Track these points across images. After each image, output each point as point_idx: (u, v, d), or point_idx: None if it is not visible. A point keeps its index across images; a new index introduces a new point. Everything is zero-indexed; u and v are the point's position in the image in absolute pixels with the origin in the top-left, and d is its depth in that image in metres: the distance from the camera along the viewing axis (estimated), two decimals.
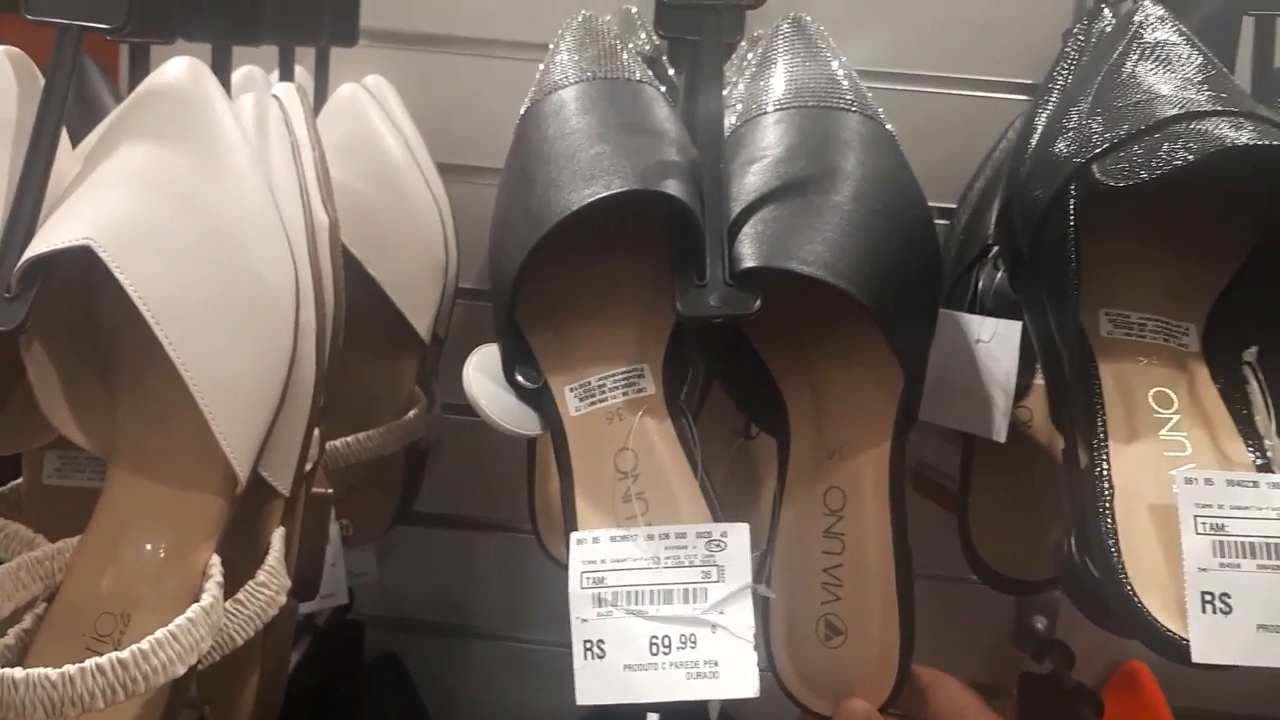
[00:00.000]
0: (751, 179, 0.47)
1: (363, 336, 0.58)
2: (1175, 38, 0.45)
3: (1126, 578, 0.41)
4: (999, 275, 0.58)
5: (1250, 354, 0.45)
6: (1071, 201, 0.43)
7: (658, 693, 0.42)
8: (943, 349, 0.59)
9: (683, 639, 0.42)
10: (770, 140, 0.49)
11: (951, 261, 0.64)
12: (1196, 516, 0.39)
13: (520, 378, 0.49)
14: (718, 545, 0.43)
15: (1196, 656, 0.38)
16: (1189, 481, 0.40)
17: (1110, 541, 0.41)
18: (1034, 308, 0.48)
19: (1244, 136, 0.40)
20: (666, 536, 0.44)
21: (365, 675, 0.75)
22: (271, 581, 0.43)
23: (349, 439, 0.58)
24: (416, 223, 0.62)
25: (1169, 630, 0.39)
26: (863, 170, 0.47)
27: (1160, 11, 0.47)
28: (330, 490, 0.54)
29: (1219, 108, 0.42)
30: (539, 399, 0.49)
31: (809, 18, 0.55)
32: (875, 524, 0.48)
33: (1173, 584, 0.40)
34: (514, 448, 0.60)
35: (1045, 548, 0.52)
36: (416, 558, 0.80)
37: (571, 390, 0.49)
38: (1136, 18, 0.46)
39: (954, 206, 0.69)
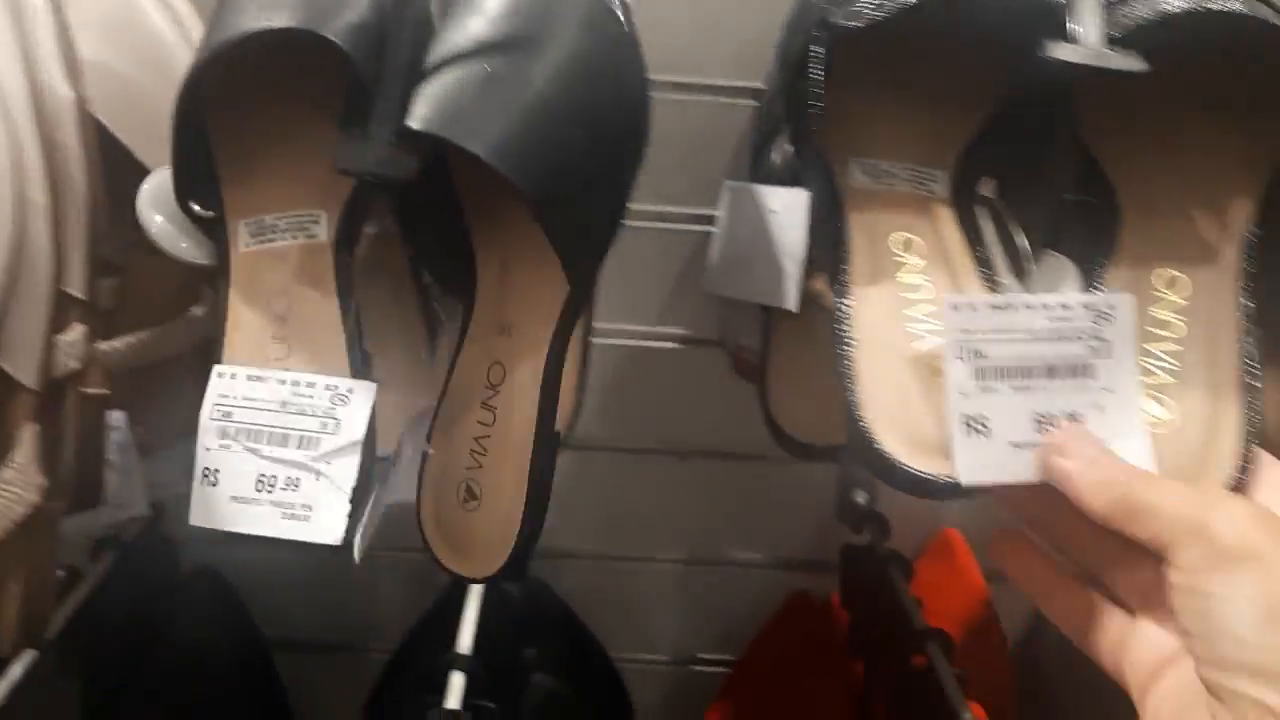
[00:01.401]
0: (454, 35, 0.44)
1: (141, 233, 0.54)
2: None
3: (864, 418, 0.42)
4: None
5: (988, 187, 0.45)
6: (812, 48, 0.42)
7: (252, 526, 0.43)
8: (735, 221, 0.59)
9: (288, 480, 0.43)
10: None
11: (752, 135, 0.64)
12: (960, 343, 0.40)
13: (195, 205, 0.48)
14: (341, 400, 0.44)
15: (964, 478, 0.40)
16: (956, 308, 0.40)
17: (849, 382, 0.42)
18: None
19: None
20: (297, 384, 0.44)
21: (181, 590, 0.72)
22: (17, 479, 0.41)
23: (121, 339, 0.55)
24: None
25: (906, 466, 0.41)
26: (572, 53, 0.45)
27: None
28: (106, 391, 0.52)
29: None
30: (213, 229, 0.48)
31: None
32: (525, 403, 0.48)
33: (910, 422, 0.42)
34: None
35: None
36: None
37: (246, 225, 0.48)
38: None
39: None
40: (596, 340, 0.80)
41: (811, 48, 0.42)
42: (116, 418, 0.57)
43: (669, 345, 0.80)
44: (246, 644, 0.75)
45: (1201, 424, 0.43)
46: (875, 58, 0.43)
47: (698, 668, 0.89)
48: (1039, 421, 0.40)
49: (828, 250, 0.46)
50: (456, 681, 0.56)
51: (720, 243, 0.61)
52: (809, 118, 0.43)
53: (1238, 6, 0.39)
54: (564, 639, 0.77)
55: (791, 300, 0.55)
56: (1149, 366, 0.44)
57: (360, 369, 0.47)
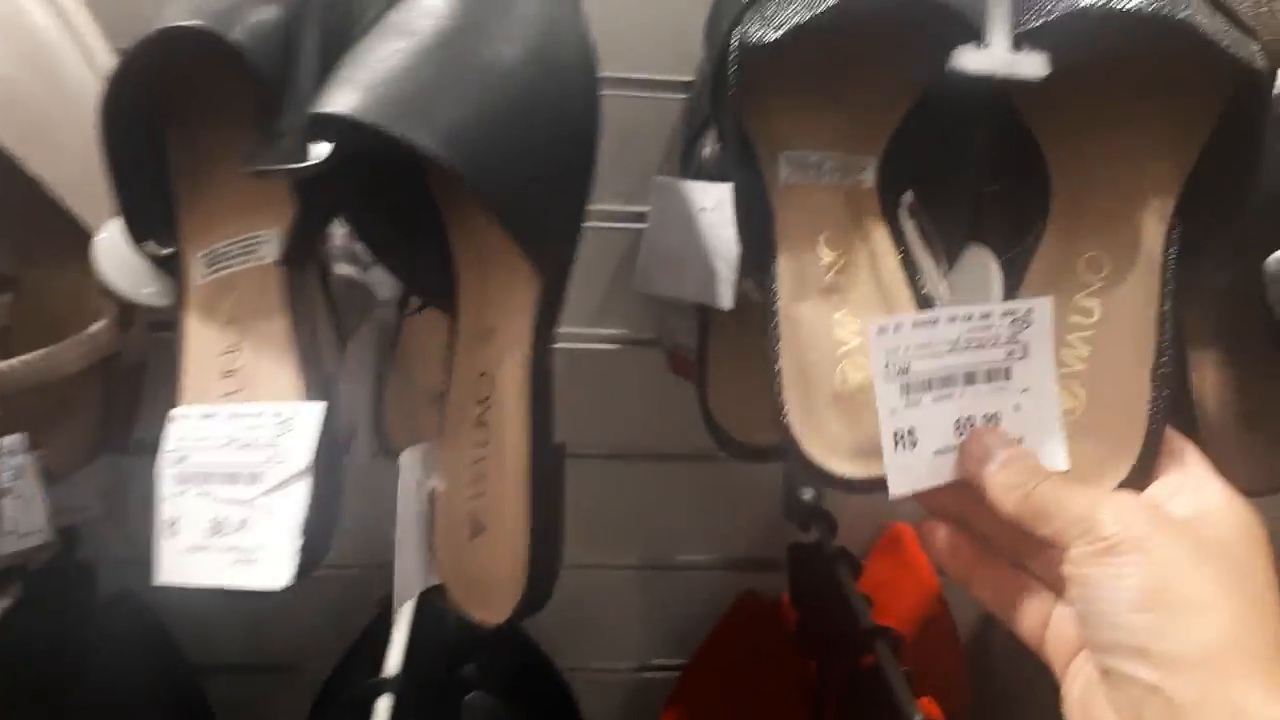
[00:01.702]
0: (395, 19, 0.41)
1: (37, 247, 0.51)
2: None
3: (790, 421, 0.42)
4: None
5: (907, 198, 0.45)
6: (732, 51, 0.41)
7: (201, 577, 0.40)
8: (665, 219, 0.57)
9: (240, 522, 0.40)
10: None
11: (682, 130, 0.61)
12: (887, 364, 0.40)
13: (152, 242, 0.45)
14: (287, 427, 0.41)
15: (893, 491, 0.40)
16: (881, 331, 0.40)
17: (777, 387, 0.41)
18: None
19: None
20: (244, 416, 0.41)
21: (98, 619, 0.69)
22: None
23: (17, 359, 0.52)
24: (78, 113, 0.54)
25: (827, 469, 0.42)
26: (530, 36, 0.42)
27: None
28: None
29: None
30: (172, 265, 0.45)
31: None
32: (516, 415, 0.45)
33: (836, 424, 0.42)
34: None
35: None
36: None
37: (201, 256, 0.45)
38: None
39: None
40: None
41: (730, 61, 0.41)
42: (12, 442, 0.54)
43: (608, 346, 0.78)
44: (169, 671, 0.72)
45: (1112, 410, 0.43)
46: (798, 53, 0.41)
47: (651, 674, 0.87)
48: (958, 426, 0.41)
49: (756, 249, 0.45)
50: (383, 706, 0.53)
51: (650, 241, 0.59)
52: (734, 120, 0.42)
53: (1137, 3, 0.39)
54: (507, 653, 0.75)
55: (725, 299, 0.54)
56: (1065, 358, 0.44)
57: (319, 390, 0.43)
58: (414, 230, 0.47)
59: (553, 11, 0.43)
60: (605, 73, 0.69)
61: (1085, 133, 0.46)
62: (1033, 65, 0.40)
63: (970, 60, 0.40)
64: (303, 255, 0.45)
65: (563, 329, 0.78)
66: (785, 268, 0.44)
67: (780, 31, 0.39)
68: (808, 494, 0.79)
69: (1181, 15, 0.38)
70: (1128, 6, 0.39)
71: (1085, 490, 0.38)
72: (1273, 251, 0.51)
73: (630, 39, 0.67)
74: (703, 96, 0.61)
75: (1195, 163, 0.44)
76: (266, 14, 0.42)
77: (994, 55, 0.40)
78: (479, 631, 0.71)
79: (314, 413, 0.41)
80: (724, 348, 0.59)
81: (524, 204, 0.41)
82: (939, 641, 0.78)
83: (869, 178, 0.46)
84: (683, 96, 0.66)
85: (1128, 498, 0.38)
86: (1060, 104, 0.46)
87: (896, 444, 0.40)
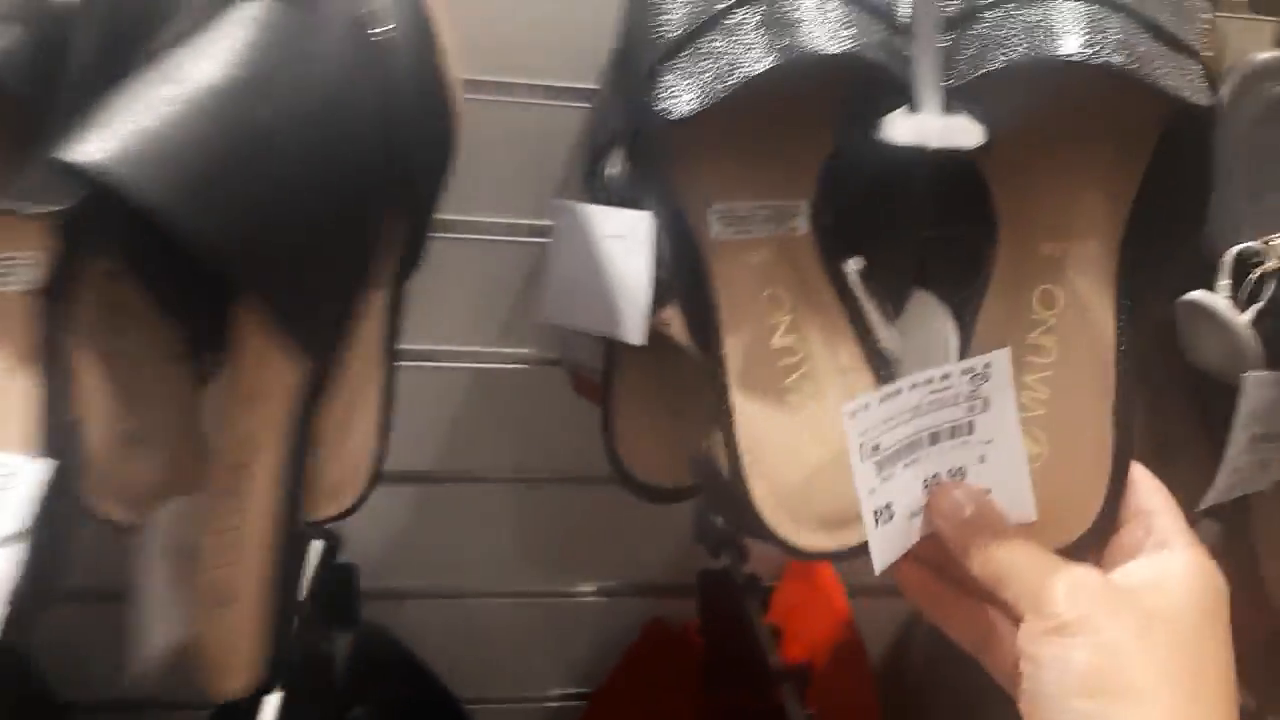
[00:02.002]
0: (175, 56, 0.37)
1: None
2: None
3: (751, 491, 0.42)
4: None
5: (855, 263, 0.44)
6: (652, 121, 0.40)
7: None
8: (570, 246, 0.54)
9: None
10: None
11: (585, 146, 0.59)
12: (861, 444, 0.39)
13: None
14: (6, 484, 0.37)
15: (878, 566, 0.40)
16: (853, 415, 0.39)
17: (733, 450, 0.41)
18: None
19: (764, 63, 0.38)
20: None
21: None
22: None
23: None
24: None
25: (800, 545, 0.42)
26: (304, 106, 0.38)
27: None
28: None
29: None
30: None
31: None
32: (268, 491, 0.43)
33: (792, 480, 0.42)
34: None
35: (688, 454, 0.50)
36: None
37: None
38: None
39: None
40: (436, 365, 0.75)
41: (649, 135, 0.40)
42: None
43: (514, 366, 0.75)
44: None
45: (1076, 454, 0.43)
46: (720, 107, 0.39)
47: (557, 705, 0.85)
48: (926, 485, 0.41)
49: (697, 313, 0.44)
50: None
51: (553, 269, 0.56)
52: (659, 180, 0.41)
53: (1065, 49, 0.38)
54: (404, 690, 0.71)
55: (636, 334, 0.51)
56: (1025, 401, 0.44)
57: (59, 441, 0.40)
58: (194, 279, 0.43)
59: (352, 74, 0.40)
60: (509, 79, 0.67)
61: (1028, 168, 0.45)
62: (966, 134, 0.39)
63: (901, 130, 0.39)
64: (65, 285, 0.41)
65: (466, 348, 0.76)
66: (730, 333, 0.43)
67: (697, 105, 0.38)
68: (718, 520, 0.78)
69: (1104, 60, 0.37)
70: (1056, 54, 0.38)
71: (1041, 560, 0.38)
72: (1185, 290, 0.50)
73: (528, 42, 0.64)
74: (610, 114, 0.59)
75: (1138, 193, 0.44)
76: (14, 40, 0.38)
77: (926, 123, 0.39)
78: (370, 668, 0.68)
79: (36, 470, 0.37)
80: (633, 382, 0.56)
81: (289, 290, 0.39)
82: (849, 668, 0.77)
83: (803, 224, 0.45)
84: (586, 106, 0.63)
85: (1082, 573, 0.38)
86: (1002, 140, 0.44)
87: (877, 521, 0.39)
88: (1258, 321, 0.48)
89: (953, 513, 0.39)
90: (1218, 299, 0.47)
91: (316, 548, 0.71)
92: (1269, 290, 0.48)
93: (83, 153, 0.34)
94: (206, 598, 0.44)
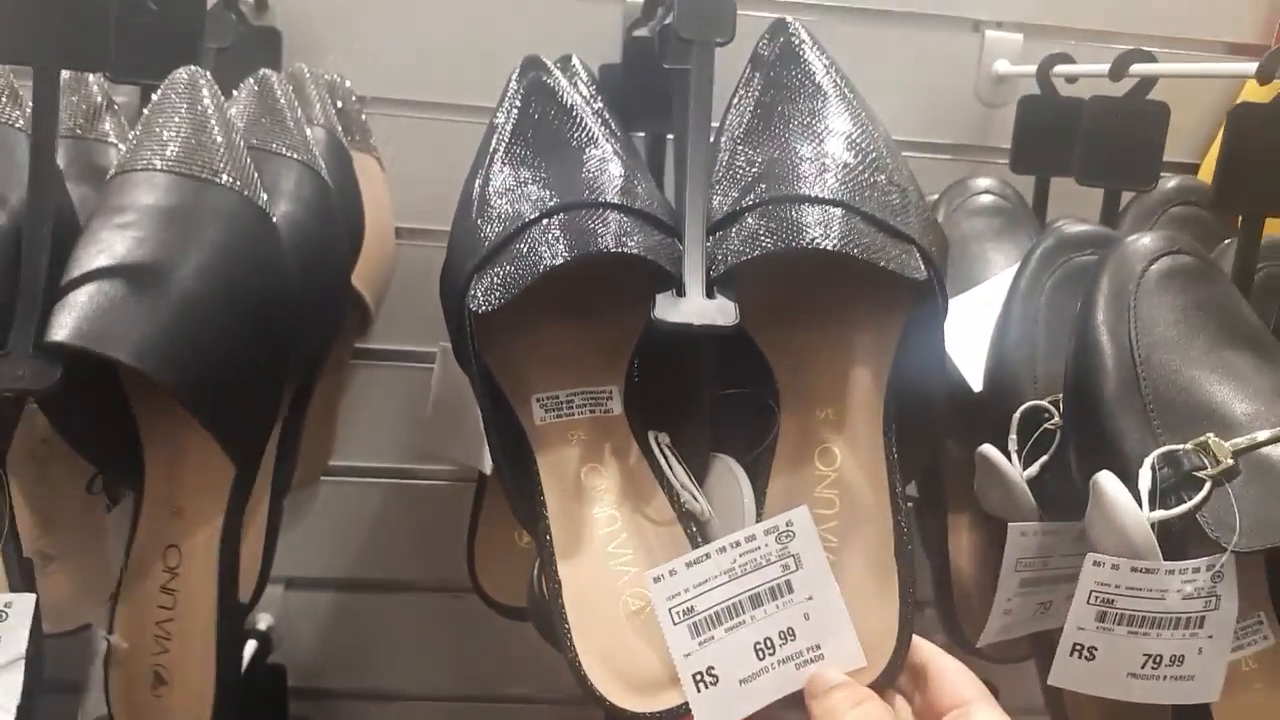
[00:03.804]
0: (98, 242, 0.45)
1: None
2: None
3: (580, 661, 0.43)
4: None
5: (662, 438, 0.48)
6: (468, 318, 0.44)
7: None
8: (444, 380, 0.61)
9: None
10: (129, 200, 0.47)
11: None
12: (670, 609, 0.42)
13: None
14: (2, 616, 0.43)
15: None
16: (658, 580, 0.42)
17: (562, 624, 0.44)
18: None
19: (560, 259, 0.43)
20: None
21: None
22: None
23: None
24: None
25: (631, 710, 0.42)
26: (216, 253, 0.47)
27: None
28: None
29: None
30: None
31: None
32: (204, 584, 0.49)
33: (623, 659, 0.44)
34: None
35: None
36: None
37: None
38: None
39: None
40: (363, 480, 0.81)
41: (468, 334, 0.44)
42: None
43: (434, 483, 0.81)
44: None
45: (866, 595, 0.45)
46: (533, 297, 0.45)
47: None
48: (758, 650, 0.42)
49: (522, 495, 0.48)
50: None
51: (434, 401, 0.62)
52: (484, 378, 0.46)
53: (806, 240, 0.44)
54: None
55: (486, 464, 0.57)
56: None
57: (19, 580, 0.45)
58: (100, 412, 0.50)
59: (248, 247, 0.48)
60: (429, 226, 0.73)
61: (803, 348, 0.50)
62: (724, 314, 0.43)
63: (668, 312, 0.43)
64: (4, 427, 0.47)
65: (393, 465, 0.82)
66: (555, 509, 0.47)
67: (498, 300, 0.43)
68: None
69: (838, 247, 0.43)
70: (801, 244, 0.44)
71: None
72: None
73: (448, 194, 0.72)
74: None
75: (893, 364, 0.48)
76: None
77: (689, 305, 0.44)
78: None
79: (27, 603, 0.43)
80: (492, 509, 0.62)
81: (224, 408, 0.46)
82: None
83: (616, 406, 0.49)
84: None
85: None
86: (775, 311, 0.50)
87: (698, 686, 0.41)
88: (1042, 474, 0.52)
89: (818, 688, 0.41)
90: (999, 455, 0.52)
91: (250, 648, 0.78)
92: (1052, 445, 0.52)
93: (63, 332, 0.42)
94: (140, 683, 0.50)
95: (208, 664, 0.49)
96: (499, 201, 0.46)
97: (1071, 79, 0.70)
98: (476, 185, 0.48)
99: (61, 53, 0.43)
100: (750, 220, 0.45)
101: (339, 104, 0.69)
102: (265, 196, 0.51)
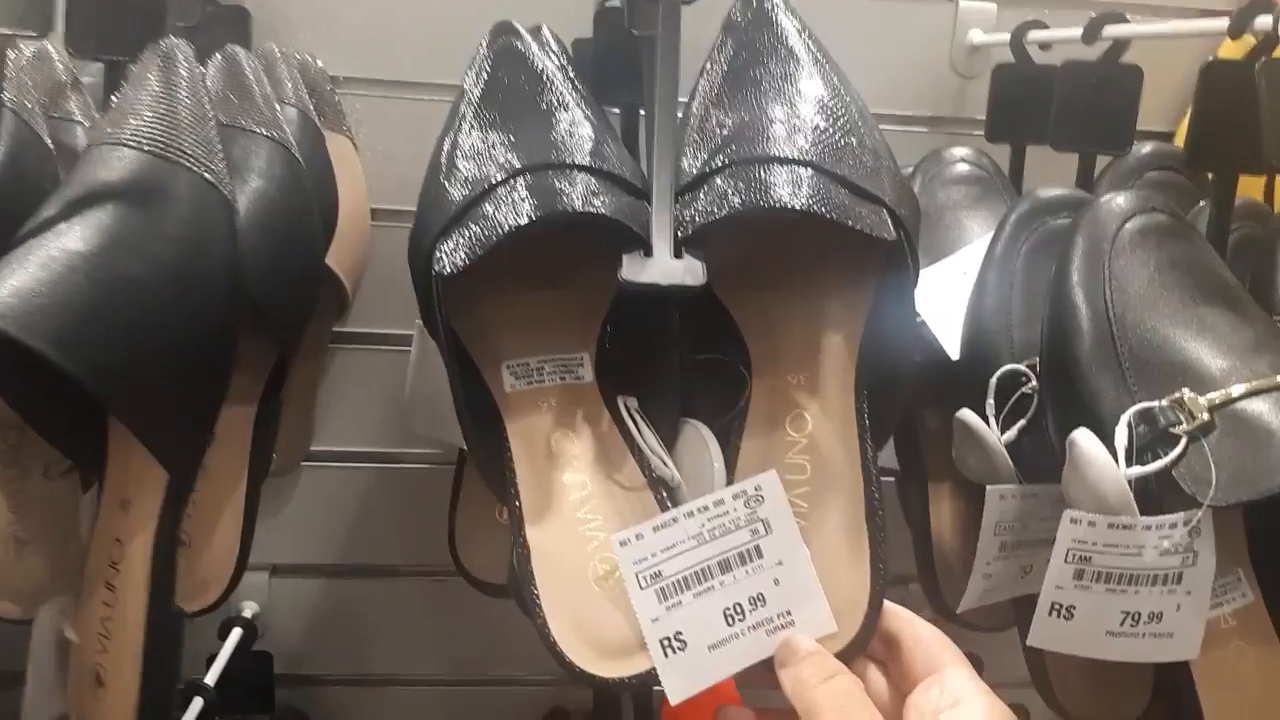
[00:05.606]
0: (48, 216, 0.44)
1: None
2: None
3: (550, 628, 0.43)
4: None
5: (630, 403, 0.48)
6: (435, 281, 0.44)
7: None
8: (422, 360, 0.61)
9: None
10: (87, 176, 0.46)
11: None
12: (637, 574, 0.41)
13: None
14: None
15: (674, 697, 0.41)
16: (624, 544, 0.41)
17: (532, 591, 0.43)
18: None
19: (523, 219, 0.43)
20: None
21: None
22: None
23: None
24: None
25: (599, 675, 0.42)
26: (159, 255, 0.45)
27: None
28: None
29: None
30: None
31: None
32: (139, 582, 0.48)
33: (593, 624, 0.43)
34: None
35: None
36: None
37: None
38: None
39: None
40: (345, 465, 0.81)
41: (435, 296, 0.44)
42: None
43: (420, 466, 0.81)
44: None
45: (837, 560, 0.45)
46: (503, 265, 0.44)
47: None
48: (727, 616, 0.42)
49: (491, 462, 0.47)
50: None
51: (412, 382, 0.62)
52: (451, 343, 0.45)
53: (774, 199, 0.43)
54: None
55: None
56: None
57: None
58: (70, 401, 0.49)
59: (197, 234, 0.47)
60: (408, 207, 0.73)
61: (773, 315, 0.50)
62: (692, 274, 0.43)
63: (635, 272, 0.43)
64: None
65: (374, 449, 0.81)
66: (524, 475, 0.46)
67: (463, 261, 0.43)
68: None
69: (806, 206, 0.43)
70: (760, 204, 0.43)
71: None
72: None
73: None
74: None
75: (864, 331, 0.48)
76: None
77: (656, 266, 0.43)
78: None
79: None
80: (475, 487, 0.61)
81: (153, 411, 0.45)
82: None
83: (587, 373, 0.49)
84: None
85: None
86: (747, 277, 0.50)
87: (665, 651, 0.41)
88: (1020, 438, 0.52)
89: (789, 657, 0.41)
90: (977, 419, 0.52)
91: (235, 636, 0.77)
92: (1030, 409, 0.52)
93: None
94: (84, 681, 0.48)
95: (135, 669, 0.47)
96: (466, 164, 0.45)
97: (1046, 46, 0.70)
98: (445, 149, 0.47)
99: (7, 16, 0.43)
100: (719, 181, 0.45)
101: (312, 85, 0.68)
102: (230, 183, 0.50)
